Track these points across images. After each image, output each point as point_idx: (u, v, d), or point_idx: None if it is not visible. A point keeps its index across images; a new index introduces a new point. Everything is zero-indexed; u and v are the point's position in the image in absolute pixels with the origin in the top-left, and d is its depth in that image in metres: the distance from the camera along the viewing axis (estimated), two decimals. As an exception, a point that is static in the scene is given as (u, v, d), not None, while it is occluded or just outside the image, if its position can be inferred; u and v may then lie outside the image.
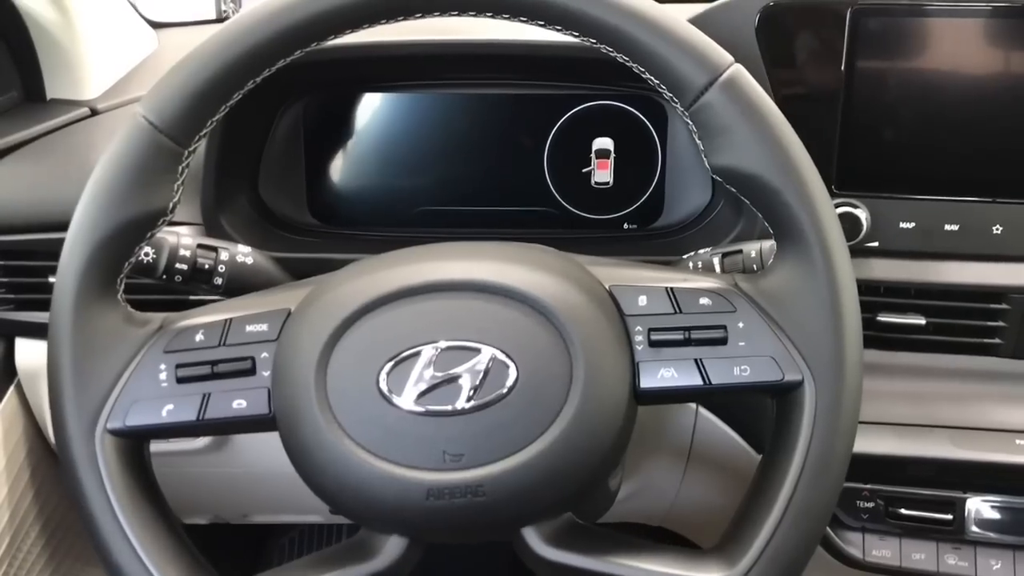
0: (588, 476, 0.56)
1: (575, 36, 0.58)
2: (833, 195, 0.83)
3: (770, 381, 0.57)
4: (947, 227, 0.83)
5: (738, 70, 0.57)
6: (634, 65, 0.58)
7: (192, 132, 0.58)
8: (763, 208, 0.58)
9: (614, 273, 0.61)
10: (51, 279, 0.86)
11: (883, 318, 0.85)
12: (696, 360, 0.58)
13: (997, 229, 0.82)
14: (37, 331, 0.89)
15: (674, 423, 0.90)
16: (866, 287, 0.84)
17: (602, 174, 0.92)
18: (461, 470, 0.55)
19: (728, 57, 0.57)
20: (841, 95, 0.82)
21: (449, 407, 0.55)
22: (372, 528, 0.59)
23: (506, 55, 0.86)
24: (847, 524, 0.85)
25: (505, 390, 0.55)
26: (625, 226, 0.93)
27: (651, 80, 0.58)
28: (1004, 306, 0.84)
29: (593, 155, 0.92)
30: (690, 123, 0.58)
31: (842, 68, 0.81)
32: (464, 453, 0.55)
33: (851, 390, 0.57)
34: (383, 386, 0.56)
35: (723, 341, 0.58)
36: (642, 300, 0.59)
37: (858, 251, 0.84)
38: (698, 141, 0.58)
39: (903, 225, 0.84)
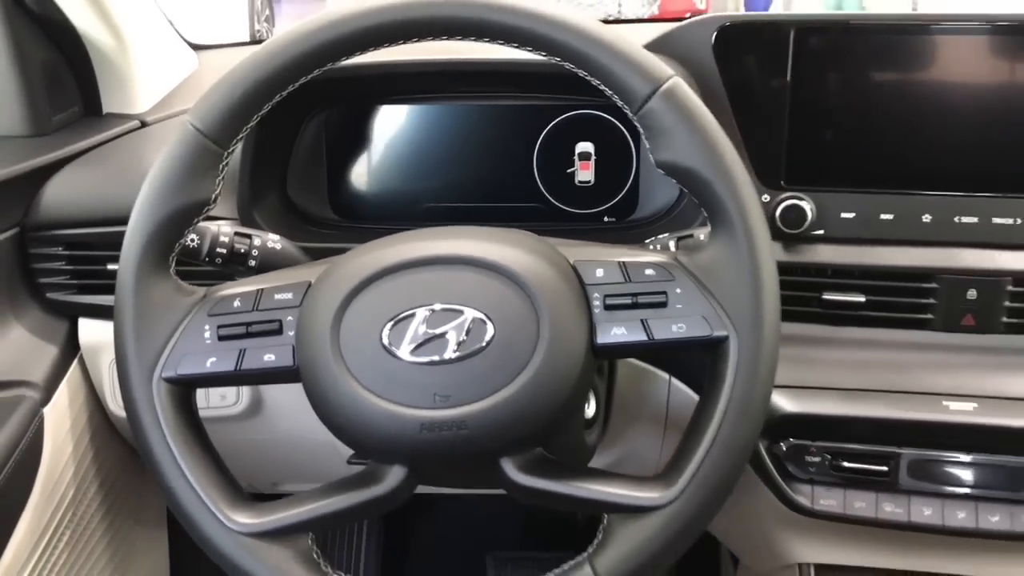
0: (553, 415, 0.65)
1: (543, 55, 0.68)
2: (782, 189, 0.90)
3: (701, 336, 0.65)
4: (883, 216, 0.90)
5: (676, 82, 0.65)
6: (591, 79, 0.66)
7: (230, 136, 0.68)
8: (698, 196, 0.66)
9: (577, 251, 0.69)
10: (109, 267, 0.96)
11: (828, 296, 0.91)
12: (642, 320, 0.66)
13: (926, 218, 0.89)
14: (97, 312, 0.98)
15: (650, 393, 0.96)
16: (813, 270, 0.92)
17: (584, 174, 1.00)
18: (448, 408, 0.63)
19: (668, 71, 0.65)
20: (787, 103, 0.89)
21: (438, 357, 0.63)
22: (376, 459, 0.67)
23: (500, 71, 0.93)
24: (798, 477, 0.90)
25: (484, 344, 0.64)
26: (605, 219, 1.01)
27: (605, 91, 0.66)
28: (934, 285, 0.90)
29: (576, 157, 0.99)
30: (639, 126, 0.67)
31: (788, 79, 0.89)
32: (451, 395, 0.63)
33: (768, 344, 0.65)
34: (385, 341, 0.64)
35: (664, 304, 0.66)
36: (599, 272, 0.67)
37: (805, 238, 0.91)
38: (645, 141, 0.67)
39: (844, 215, 0.91)
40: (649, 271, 0.67)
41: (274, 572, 0.65)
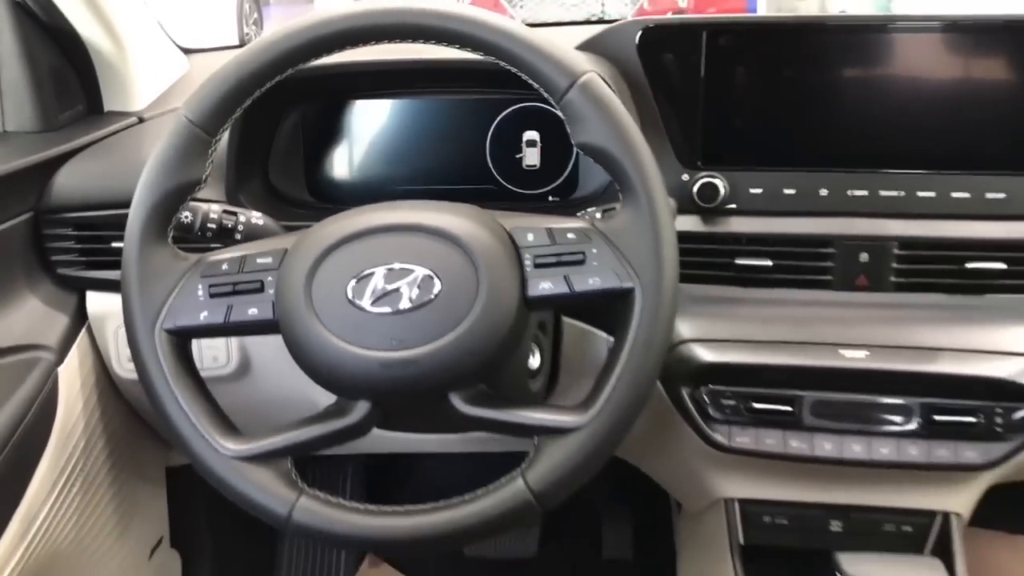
0: (492, 355, 0.75)
1: (480, 55, 0.80)
2: (699, 169, 1.01)
3: (612, 288, 0.75)
4: (786, 191, 1.01)
5: (591, 76, 0.76)
6: (521, 74, 0.77)
7: (218, 126, 0.79)
8: (610, 171, 0.77)
9: (513, 220, 0.80)
10: (113, 244, 1.07)
11: (740, 261, 1.01)
12: (564, 276, 0.76)
13: (823, 192, 1.00)
14: (103, 285, 1.08)
15: (592, 352, 1.06)
16: (727, 238, 1.02)
17: (531, 159, 1.10)
18: (403, 350, 0.73)
19: (585, 67, 0.75)
20: (702, 95, 1.00)
21: (394, 308, 0.74)
22: (345, 395, 0.78)
23: (453, 69, 1.04)
24: (716, 418, 0.99)
25: (432, 296, 0.74)
26: (550, 199, 1.11)
27: (533, 84, 0.77)
28: (831, 250, 1.00)
29: (524, 144, 1.10)
30: (560, 113, 0.78)
31: (702, 75, 0.99)
32: (405, 339, 0.73)
33: (667, 294, 0.75)
34: (350, 295, 0.75)
35: (582, 262, 0.75)
36: (530, 236, 0.77)
37: (719, 211, 1.01)
38: (567, 126, 0.78)
39: (753, 191, 1.01)
40: (571, 235, 0.77)
41: (258, 488, 0.76)
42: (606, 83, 0.78)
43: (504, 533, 0.77)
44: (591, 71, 0.77)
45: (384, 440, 1.18)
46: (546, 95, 0.77)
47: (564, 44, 0.78)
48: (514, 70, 0.78)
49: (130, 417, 1.22)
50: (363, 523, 0.76)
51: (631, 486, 1.72)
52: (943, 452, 0.97)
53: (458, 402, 0.77)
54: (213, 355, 1.10)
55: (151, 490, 1.35)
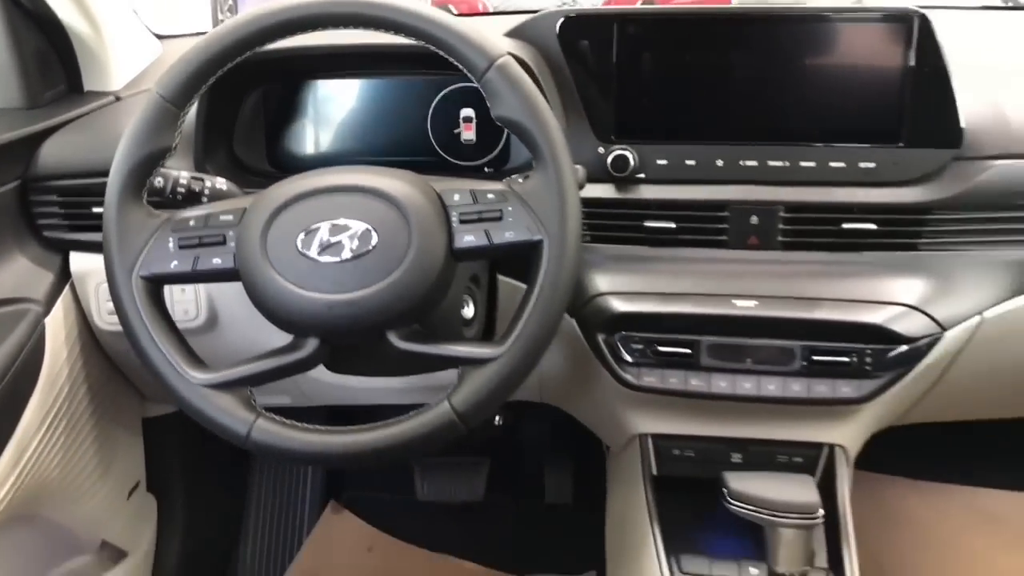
0: (422, 299, 0.86)
1: (414, 40, 0.92)
2: (613, 142, 1.12)
3: (524, 240, 0.86)
4: (687, 162, 1.12)
5: (507, 59, 0.87)
6: (449, 57, 0.88)
7: (185, 101, 0.90)
8: (523, 141, 0.88)
9: (442, 183, 0.91)
10: (94, 209, 1.18)
11: (648, 224, 1.12)
12: (485, 230, 0.87)
13: (719, 162, 1.11)
14: (84, 246, 1.19)
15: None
16: (637, 204, 1.13)
17: (468, 134, 1.21)
18: (346, 293, 0.84)
19: (501, 51, 0.87)
20: (614, 77, 1.11)
21: (338, 258, 0.85)
22: (296, 333, 0.89)
23: (400, 53, 1.14)
24: (627, 361, 1.10)
25: (371, 247, 0.85)
26: (485, 169, 1.22)
27: (458, 65, 0.89)
28: (726, 214, 1.11)
29: (461, 120, 1.21)
30: (482, 90, 0.89)
31: (614, 60, 1.11)
32: (347, 283, 0.85)
33: (571, 246, 0.86)
34: (299, 246, 0.86)
35: (500, 218, 0.87)
36: (456, 197, 0.89)
37: (630, 180, 1.12)
38: (487, 101, 0.89)
39: (659, 162, 1.12)
40: (490, 196, 0.89)
41: (221, 411, 0.87)
42: (522, 65, 0.90)
43: (433, 447, 0.88)
44: (506, 54, 0.88)
45: (343, 392, 1.30)
46: (469, 75, 0.89)
47: (485, 31, 0.90)
48: (442, 54, 0.89)
49: (109, 368, 1.33)
50: (310, 439, 0.87)
51: (570, 438, 1.86)
52: (822, 388, 1.09)
53: (394, 339, 0.88)
54: (184, 309, 1.21)
55: (128, 437, 1.47)
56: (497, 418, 1.93)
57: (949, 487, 1.84)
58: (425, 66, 1.17)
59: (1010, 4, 1.58)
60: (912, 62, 1.06)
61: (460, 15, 1.33)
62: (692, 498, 1.21)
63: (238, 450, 1.88)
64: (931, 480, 1.86)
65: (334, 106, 1.24)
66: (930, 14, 1.07)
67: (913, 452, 1.82)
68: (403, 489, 1.88)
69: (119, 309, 0.90)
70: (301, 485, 1.88)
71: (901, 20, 1.05)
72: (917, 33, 1.05)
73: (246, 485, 1.87)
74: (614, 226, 1.15)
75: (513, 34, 1.15)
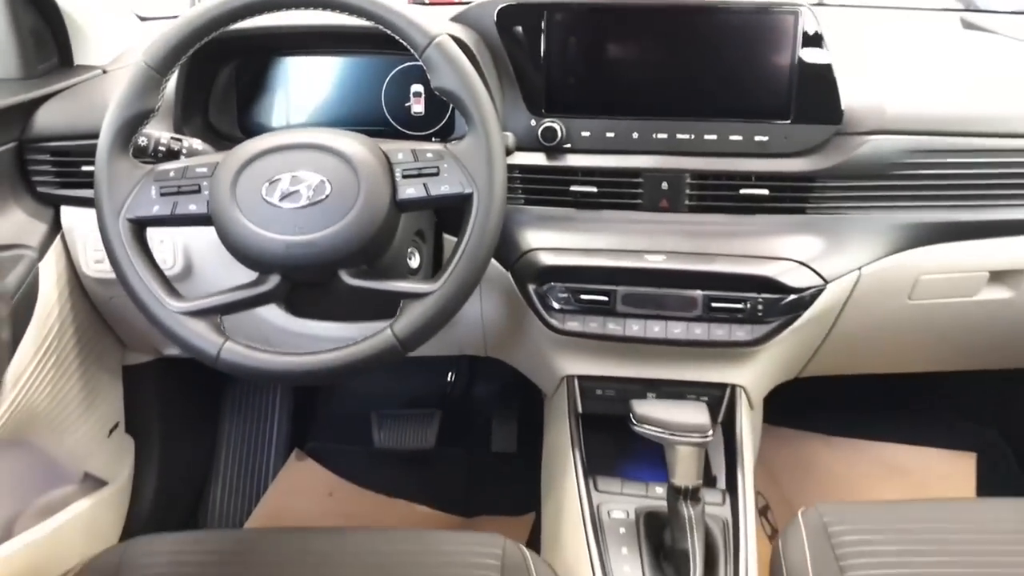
0: (370, 241, 0.99)
1: (365, 21, 1.05)
2: (543, 116, 1.25)
3: (457, 192, 1.00)
4: (607, 134, 1.24)
5: (444, 37, 1.01)
6: (395, 36, 1.02)
7: (166, 69, 1.03)
8: (458, 108, 1.02)
9: (388, 144, 1.04)
10: (83, 168, 1.30)
11: (573, 188, 1.25)
12: (424, 184, 1.00)
13: (635, 135, 1.24)
14: (74, 201, 1.31)
15: None
16: (564, 170, 1.26)
17: (418, 108, 1.34)
18: (303, 234, 0.97)
19: (439, 30, 1.01)
20: (544, 58, 1.24)
21: (297, 204, 0.98)
22: (261, 270, 1.01)
23: (356, 33, 1.21)
24: (554, 308, 1.23)
25: (325, 196, 0.98)
26: (432, 139, 1.34)
27: (403, 43, 1.03)
28: (640, 180, 1.24)
29: (411, 95, 1.34)
30: (423, 64, 1.03)
31: (543, 43, 1.24)
32: (304, 226, 0.97)
33: (497, 198, 1.00)
34: (264, 194, 0.99)
35: (436, 173, 1.00)
36: (399, 155, 1.02)
37: (558, 149, 1.25)
38: (427, 74, 1.03)
39: (583, 133, 1.24)
40: (429, 154, 1.03)
41: (194, 335, 1.00)
42: (460, 44, 1.03)
43: (375, 369, 1.02)
44: (443, 33, 1.02)
45: (302, 340, 1.42)
46: (412, 51, 1.03)
47: (426, 15, 1.04)
48: (389, 32, 1.03)
49: (94, 314, 1.46)
50: (273, 359, 1.00)
51: (515, 393, 2.00)
52: (720, 332, 1.24)
53: (345, 276, 1.02)
54: (162, 259, 1.32)
55: (109, 380, 1.59)
56: (449, 375, 2.08)
57: (858, 442, 2.00)
58: (379, 46, 1.29)
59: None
60: (799, 49, 1.21)
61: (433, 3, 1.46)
62: (613, 434, 1.35)
63: (211, 399, 2.00)
64: (843, 435, 2.02)
65: (299, 80, 1.37)
66: (820, 9, 1.22)
67: (827, 409, 1.98)
68: (362, 440, 2.02)
69: (108, 248, 1.03)
70: (268, 433, 2.01)
71: (790, 13, 1.20)
72: (803, 25, 1.20)
73: (217, 432, 2.00)
74: (544, 190, 1.29)
75: (458, 19, 1.28)
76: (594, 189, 1.28)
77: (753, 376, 1.36)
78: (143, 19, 1.62)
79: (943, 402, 2.00)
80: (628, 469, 1.34)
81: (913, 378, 1.60)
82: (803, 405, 1.79)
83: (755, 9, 1.21)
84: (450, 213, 1.21)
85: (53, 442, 1.42)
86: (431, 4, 1.49)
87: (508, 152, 1.13)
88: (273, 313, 1.32)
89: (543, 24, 1.25)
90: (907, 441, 1.99)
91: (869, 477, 1.93)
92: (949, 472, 1.92)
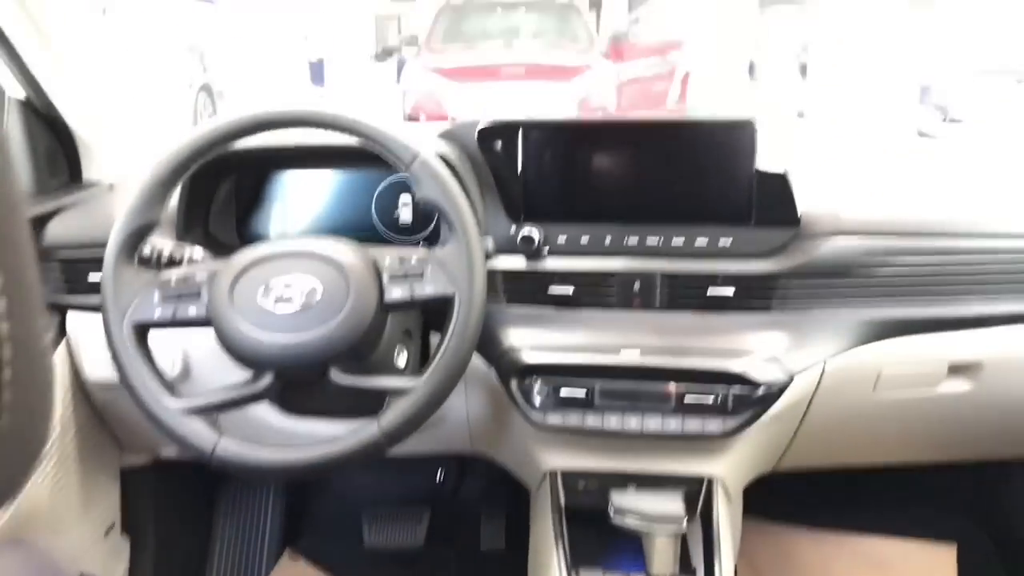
0: (358, 342, 1.04)
1: (355, 139, 1.14)
2: (522, 222, 1.33)
3: (440, 294, 1.07)
4: (582, 239, 1.32)
5: (427, 153, 1.10)
6: (382, 153, 1.12)
7: (171, 184, 1.11)
8: (441, 217, 1.10)
9: (377, 250, 1.12)
10: (90, 276, 1.37)
11: (551, 289, 1.32)
12: (409, 285, 1.07)
13: (608, 240, 1.31)
14: (80, 307, 1.38)
15: None
16: (543, 273, 1.33)
17: (405, 216, 1.43)
18: (296, 335, 1.04)
19: (422, 148, 1.10)
20: (520, 172, 1.33)
21: (290, 308, 1.04)
22: (256, 369, 1.08)
23: (348, 150, 1.32)
24: (535, 404, 1.27)
25: (316, 300, 1.04)
26: (421, 244, 1.39)
27: (389, 159, 1.12)
28: (614, 281, 1.31)
29: (400, 205, 1.43)
30: (409, 178, 1.13)
31: (520, 158, 1.33)
32: (297, 327, 1.04)
33: (476, 300, 1.07)
34: (259, 298, 1.05)
35: (422, 276, 1.08)
36: (387, 260, 1.09)
37: (537, 254, 1.32)
38: (412, 187, 1.12)
39: (560, 238, 1.32)
40: (414, 260, 1.10)
41: (190, 431, 1.05)
42: (445, 158, 1.11)
43: (363, 462, 1.07)
44: (426, 150, 1.11)
45: (294, 438, 1.46)
46: (397, 166, 1.12)
47: (412, 132, 1.13)
48: (377, 150, 1.12)
49: (94, 416, 1.51)
50: (266, 454, 1.06)
51: (503, 488, 2.03)
52: (693, 425, 1.29)
53: (336, 374, 1.08)
54: (162, 362, 1.39)
55: (107, 481, 1.63)
56: (439, 473, 2.11)
57: (840, 536, 2.03)
58: (370, 160, 1.34)
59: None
60: (756, 160, 1.30)
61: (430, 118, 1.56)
62: (596, 526, 1.37)
63: (205, 500, 2.02)
64: (825, 528, 2.04)
65: (295, 192, 1.46)
66: (784, 121, 1.31)
67: (808, 503, 2.01)
68: (353, 537, 2.04)
69: (112, 349, 1.10)
70: (261, 532, 2.03)
71: (744, 127, 1.29)
72: (759, 137, 1.29)
73: (211, 532, 2.02)
74: (524, 291, 1.36)
75: (444, 135, 1.38)
76: (571, 290, 1.34)
77: (729, 468, 1.40)
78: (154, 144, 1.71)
79: (922, 492, 2.03)
80: (610, 561, 1.36)
81: (891, 469, 1.64)
82: (785, 500, 1.82)
83: (715, 124, 1.31)
84: (436, 313, 1.27)
85: (51, 541, 1.44)
86: (428, 119, 1.59)
87: (488, 256, 1.20)
88: (267, 413, 1.37)
89: (519, 141, 1.34)
90: (889, 532, 2.01)
91: (851, 571, 1.95)
92: (930, 565, 1.94)
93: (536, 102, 6.74)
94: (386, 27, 17.78)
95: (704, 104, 6.87)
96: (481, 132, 1.36)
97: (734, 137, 1.30)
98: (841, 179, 1.42)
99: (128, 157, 1.63)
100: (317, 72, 14.06)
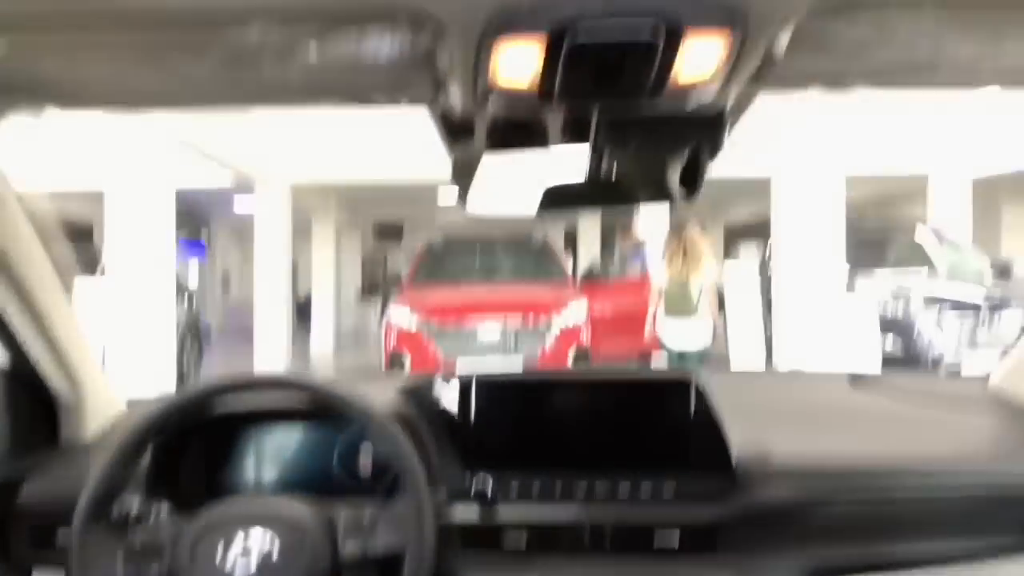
0: None
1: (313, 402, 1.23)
2: (475, 471, 1.38)
3: (391, 550, 1.16)
4: (533, 488, 1.39)
5: (377, 415, 1.21)
6: (340, 414, 1.22)
7: (143, 447, 1.22)
8: (396, 470, 1.20)
9: (333, 509, 1.20)
10: (59, 534, 1.40)
11: (505, 535, 1.36)
12: (363, 541, 1.16)
13: (559, 486, 1.38)
14: (46, 565, 1.41)
15: None
16: (495, 520, 1.37)
17: (366, 467, 1.47)
18: None
19: (376, 411, 1.21)
20: (472, 426, 1.42)
21: (249, 568, 1.12)
22: None
23: (304, 410, 1.47)
24: None
25: (274, 559, 1.13)
26: (381, 493, 1.46)
27: (345, 419, 1.22)
28: (564, 527, 1.37)
29: (361, 455, 1.47)
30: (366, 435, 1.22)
31: (472, 413, 1.42)
32: None
33: (427, 550, 1.15)
34: (218, 559, 1.13)
35: (374, 532, 1.16)
36: (342, 516, 1.18)
37: (489, 501, 1.36)
38: (370, 443, 1.22)
39: (512, 486, 1.38)
40: (366, 517, 1.20)
41: None
42: (403, 416, 1.21)
43: None
44: (378, 412, 1.21)
45: None
46: (354, 426, 1.21)
47: (368, 398, 1.23)
48: (334, 412, 1.22)
49: None
50: None
51: None
52: None
53: None
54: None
55: None
56: None
57: None
58: (331, 417, 1.47)
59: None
60: (693, 412, 1.39)
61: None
62: None
63: None
64: None
65: (257, 450, 1.53)
66: (710, 377, 1.42)
67: None
68: None
69: None
70: None
71: (682, 382, 1.40)
72: (695, 392, 1.39)
73: None
74: (477, 538, 1.40)
75: (402, 391, 1.48)
76: (523, 537, 1.40)
77: None
78: (130, 403, 1.79)
79: None
80: None
81: None
82: None
83: (654, 379, 1.42)
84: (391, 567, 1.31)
85: None
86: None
87: (440, 507, 1.26)
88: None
89: (472, 395, 1.45)
90: None
91: None
92: None
93: (512, 350, 7.18)
94: (375, 266, 18.60)
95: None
96: (437, 387, 1.45)
97: (671, 389, 1.40)
98: (777, 419, 1.51)
99: (106, 419, 1.69)
100: (304, 311, 14.46)
